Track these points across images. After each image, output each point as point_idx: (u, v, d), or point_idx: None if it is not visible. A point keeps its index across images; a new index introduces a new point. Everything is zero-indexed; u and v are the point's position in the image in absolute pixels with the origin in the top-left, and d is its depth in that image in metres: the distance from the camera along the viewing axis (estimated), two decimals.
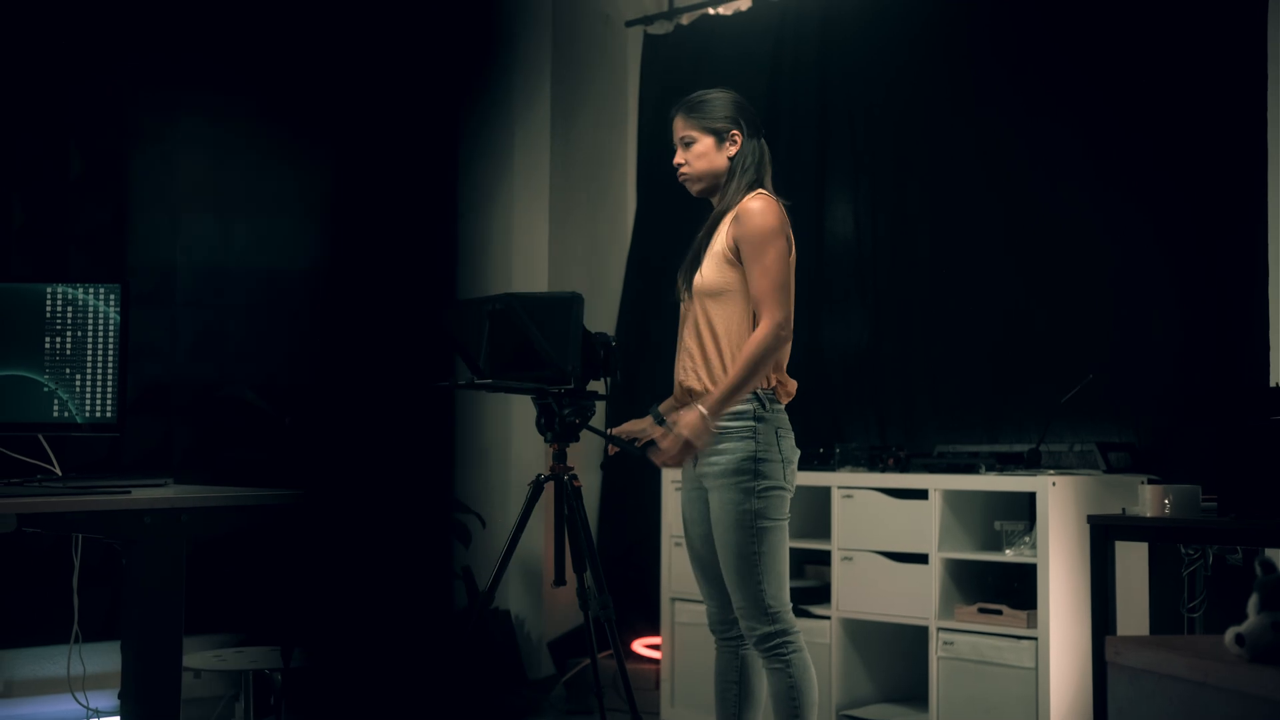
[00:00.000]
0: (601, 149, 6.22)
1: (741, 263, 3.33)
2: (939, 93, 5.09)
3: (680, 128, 3.47)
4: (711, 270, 3.35)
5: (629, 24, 6.26)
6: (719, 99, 3.47)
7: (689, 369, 3.37)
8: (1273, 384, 4.14)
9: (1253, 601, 1.99)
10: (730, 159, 3.43)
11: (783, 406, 3.37)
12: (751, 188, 3.42)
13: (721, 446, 3.30)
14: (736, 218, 3.35)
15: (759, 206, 3.34)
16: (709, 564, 3.45)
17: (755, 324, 3.31)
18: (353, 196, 5.66)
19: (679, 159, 3.46)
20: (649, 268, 5.95)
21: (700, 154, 3.43)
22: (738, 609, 3.36)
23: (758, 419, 3.30)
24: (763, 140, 3.48)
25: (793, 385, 3.39)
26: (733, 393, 3.26)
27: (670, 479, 5.01)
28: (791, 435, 3.37)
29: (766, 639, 3.32)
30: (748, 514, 3.28)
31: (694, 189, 3.47)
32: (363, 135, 5.69)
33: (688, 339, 3.39)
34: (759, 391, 3.31)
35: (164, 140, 5.28)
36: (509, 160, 6.04)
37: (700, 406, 3.25)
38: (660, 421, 3.46)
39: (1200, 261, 4.38)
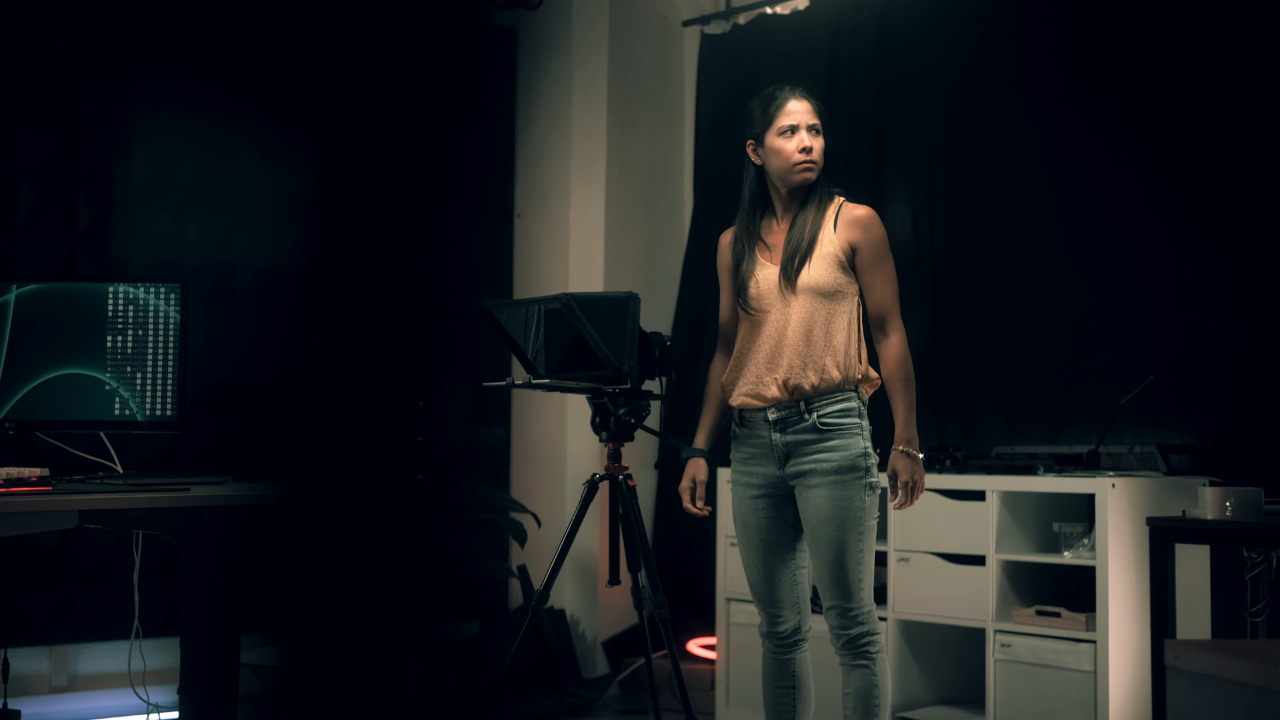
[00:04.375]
0: (658, 149, 6.22)
1: (854, 268, 3.36)
2: (997, 91, 5.05)
3: (810, 114, 3.42)
4: (826, 270, 3.36)
5: (686, 24, 6.25)
6: None
7: (796, 368, 3.35)
8: None
9: None
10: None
11: None
12: (827, 189, 3.44)
13: (832, 444, 3.33)
14: (854, 223, 3.37)
15: (873, 215, 3.39)
16: (775, 568, 3.45)
17: (874, 329, 3.38)
18: (409, 198, 5.69)
19: (811, 142, 3.39)
20: (705, 268, 5.94)
21: (822, 146, 3.43)
22: (830, 609, 3.36)
23: (861, 416, 3.34)
24: None
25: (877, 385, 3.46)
26: (913, 417, 3.35)
27: (725, 479, 5.00)
28: None
29: (856, 640, 3.33)
30: (859, 511, 3.31)
31: (809, 178, 3.41)
32: (418, 137, 5.71)
33: (791, 336, 3.37)
34: (859, 390, 3.35)
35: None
36: (566, 161, 6.05)
37: (903, 448, 3.32)
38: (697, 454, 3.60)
39: (1263, 261, 4.32)
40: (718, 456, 3.67)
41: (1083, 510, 4.26)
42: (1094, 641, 4.05)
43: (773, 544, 3.45)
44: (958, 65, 5.16)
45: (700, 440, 3.60)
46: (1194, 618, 4.11)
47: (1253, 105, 4.34)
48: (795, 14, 5.78)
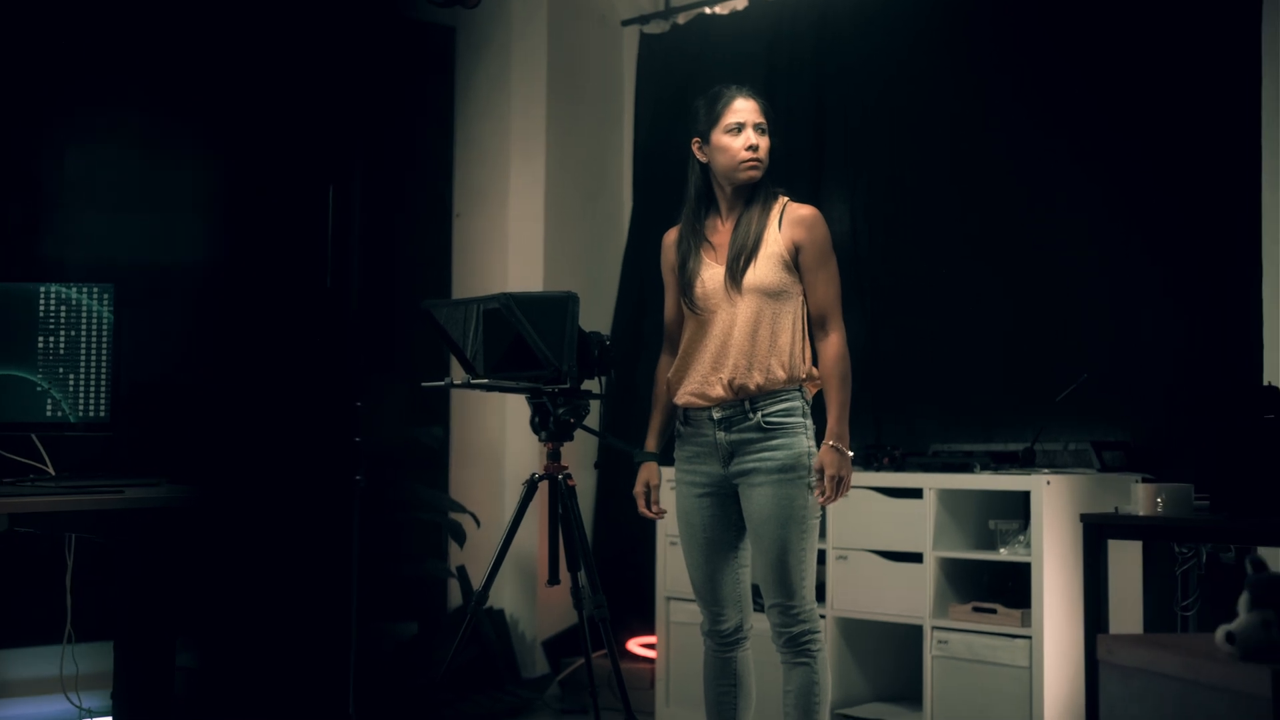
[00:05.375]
0: (597, 148, 6.21)
1: (798, 267, 3.36)
2: (936, 93, 5.09)
3: (757, 113, 3.42)
4: (771, 270, 3.37)
5: (625, 23, 6.25)
6: None
7: (741, 368, 3.36)
8: (1265, 383, 4.14)
9: (1243, 599, 1.99)
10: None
11: None
12: (771, 188, 3.45)
13: (776, 442, 3.34)
14: (798, 222, 3.39)
15: (817, 215, 3.41)
16: (718, 567, 3.46)
17: (815, 328, 3.39)
18: (346, 197, 5.65)
19: (758, 140, 3.40)
20: (645, 267, 5.94)
21: (767, 145, 3.44)
22: (773, 607, 3.37)
23: (805, 416, 3.36)
24: None
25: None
26: (846, 414, 3.33)
27: (667, 478, 5.00)
28: None
29: (797, 638, 3.35)
30: (802, 509, 3.33)
31: (754, 176, 3.41)
32: (354, 136, 5.67)
33: (738, 336, 3.37)
34: (803, 389, 3.36)
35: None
36: (505, 160, 6.03)
37: (832, 443, 3.30)
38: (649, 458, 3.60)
39: (1194, 261, 4.38)
40: (664, 457, 3.68)
41: (1018, 507, 4.30)
42: (1029, 637, 4.09)
43: (716, 542, 3.46)
44: (897, 66, 5.19)
45: (651, 443, 3.61)
46: (1127, 613, 4.16)
47: (1182, 111, 4.40)
48: (734, 14, 5.80)
